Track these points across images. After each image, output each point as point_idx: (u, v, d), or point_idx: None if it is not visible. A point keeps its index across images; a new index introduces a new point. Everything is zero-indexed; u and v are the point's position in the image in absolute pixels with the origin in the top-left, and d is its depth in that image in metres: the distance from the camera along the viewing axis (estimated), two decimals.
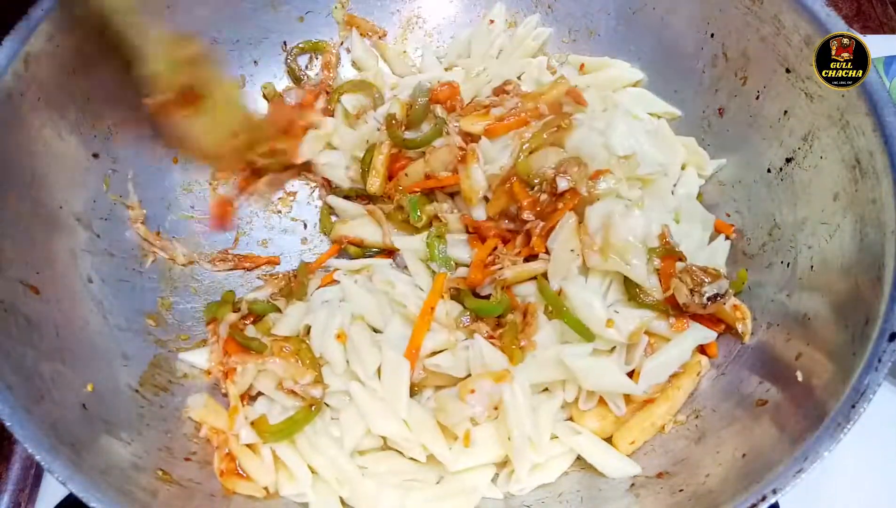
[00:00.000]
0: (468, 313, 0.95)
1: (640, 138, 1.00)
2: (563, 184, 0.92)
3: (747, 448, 0.79)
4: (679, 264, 0.90)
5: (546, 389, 0.92)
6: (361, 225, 1.08)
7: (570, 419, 0.92)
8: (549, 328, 0.91)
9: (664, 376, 0.91)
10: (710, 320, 0.94)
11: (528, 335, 0.91)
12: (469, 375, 0.92)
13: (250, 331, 0.98)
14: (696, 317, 0.92)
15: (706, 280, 0.88)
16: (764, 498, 0.68)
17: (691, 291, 0.88)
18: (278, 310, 1.01)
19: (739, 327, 0.92)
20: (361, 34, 1.22)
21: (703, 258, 0.95)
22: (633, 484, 0.86)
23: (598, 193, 0.93)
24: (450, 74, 1.18)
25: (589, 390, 0.89)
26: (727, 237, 1.02)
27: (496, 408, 0.88)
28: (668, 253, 0.91)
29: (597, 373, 0.88)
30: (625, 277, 0.91)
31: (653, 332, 0.92)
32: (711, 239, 1.02)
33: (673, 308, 0.91)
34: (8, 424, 0.69)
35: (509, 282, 0.95)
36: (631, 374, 0.92)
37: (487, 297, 0.95)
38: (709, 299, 0.88)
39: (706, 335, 0.92)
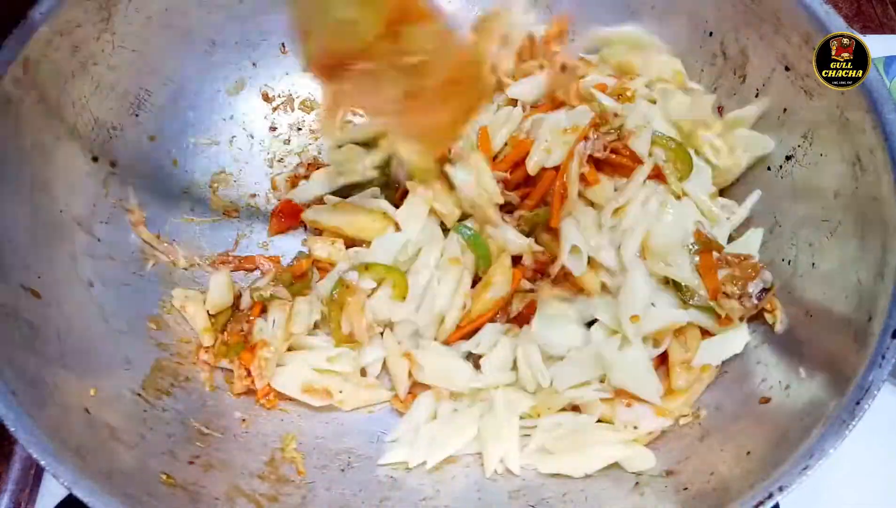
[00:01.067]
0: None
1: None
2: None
3: (752, 445, 0.79)
4: (715, 255, 0.91)
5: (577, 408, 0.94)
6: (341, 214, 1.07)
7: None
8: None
9: (718, 359, 0.91)
10: None
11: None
12: None
13: (259, 324, 0.98)
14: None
15: (748, 276, 0.88)
16: (771, 496, 0.68)
17: (739, 297, 0.88)
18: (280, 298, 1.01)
19: (768, 317, 0.90)
20: None
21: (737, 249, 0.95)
22: (637, 483, 0.86)
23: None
24: None
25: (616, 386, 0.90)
26: None
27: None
28: (704, 246, 0.92)
29: (627, 368, 0.89)
30: (670, 279, 0.92)
31: (699, 325, 0.93)
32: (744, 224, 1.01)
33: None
34: (13, 430, 0.68)
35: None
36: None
37: None
38: (757, 296, 0.88)
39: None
